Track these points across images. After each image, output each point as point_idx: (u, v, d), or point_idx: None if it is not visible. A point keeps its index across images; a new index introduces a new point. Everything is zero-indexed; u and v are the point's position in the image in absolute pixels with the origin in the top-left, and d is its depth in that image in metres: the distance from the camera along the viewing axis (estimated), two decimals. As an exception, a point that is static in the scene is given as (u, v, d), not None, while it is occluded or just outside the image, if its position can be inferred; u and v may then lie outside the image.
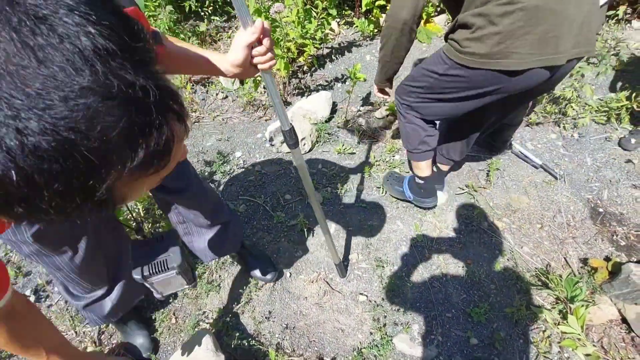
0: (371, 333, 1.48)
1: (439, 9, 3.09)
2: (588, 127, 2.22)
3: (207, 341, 1.29)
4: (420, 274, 1.65)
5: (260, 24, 0.74)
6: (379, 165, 2.07)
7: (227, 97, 2.58)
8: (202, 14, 2.92)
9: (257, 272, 1.62)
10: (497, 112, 1.52)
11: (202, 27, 2.80)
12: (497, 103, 1.33)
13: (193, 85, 2.66)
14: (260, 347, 1.42)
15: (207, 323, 1.52)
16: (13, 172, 0.27)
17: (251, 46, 0.77)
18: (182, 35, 2.68)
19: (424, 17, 2.97)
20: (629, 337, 1.43)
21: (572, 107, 2.15)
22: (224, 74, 0.84)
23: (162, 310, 1.57)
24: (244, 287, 1.62)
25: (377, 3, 2.75)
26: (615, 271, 1.58)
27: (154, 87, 0.32)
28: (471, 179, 2.00)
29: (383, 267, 1.67)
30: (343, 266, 1.63)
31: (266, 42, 0.77)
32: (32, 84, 0.27)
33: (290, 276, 1.67)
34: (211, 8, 2.97)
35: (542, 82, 1.22)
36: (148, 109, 0.31)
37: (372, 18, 2.91)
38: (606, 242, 1.74)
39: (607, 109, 2.19)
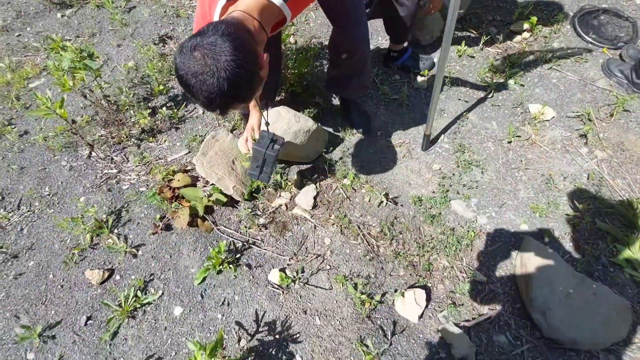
0: (434, 192, 1.73)
1: None
2: None
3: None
4: (497, 168, 1.78)
5: None
6: (494, 72, 2.08)
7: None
8: None
9: (355, 124, 1.94)
10: None
11: None
12: None
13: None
14: (344, 168, 1.80)
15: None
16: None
17: None
18: None
19: None
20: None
21: None
22: None
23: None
24: (340, 129, 1.97)
25: None
26: None
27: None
28: (592, 108, 1.91)
29: (464, 152, 1.84)
30: (429, 140, 1.84)
31: None
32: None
33: (379, 135, 1.96)
34: None
35: None
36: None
37: None
38: None
39: None
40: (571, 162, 1.77)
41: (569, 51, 2.16)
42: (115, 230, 1.73)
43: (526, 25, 2.23)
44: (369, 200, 1.73)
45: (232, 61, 0.76)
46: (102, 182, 1.94)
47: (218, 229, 1.70)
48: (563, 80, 2.04)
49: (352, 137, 1.95)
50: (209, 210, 1.75)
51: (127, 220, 1.76)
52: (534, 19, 2.20)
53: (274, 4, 0.96)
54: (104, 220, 1.75)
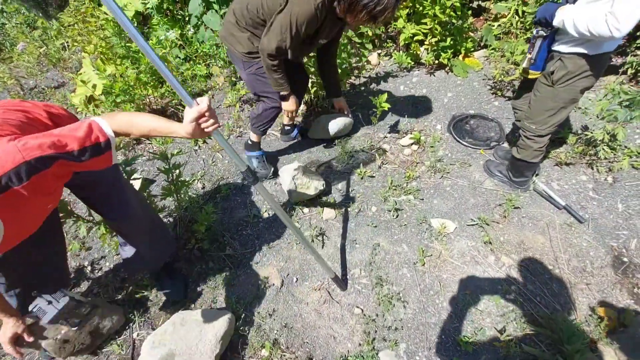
0: (360, 344, 1.59)
1: (479, 44, 3.15)
2: (625, 171, 2.12)
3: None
4: (417, 297, 1.72)
5: (204, 105, 0.96)
6: (394, 190, 2.19)
7: (268, 116, 2.89)
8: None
9: (172, 294, 1.77)
10: None
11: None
12: None
13: (242, 104, 3.03)
14: (259, 339, 1.61)
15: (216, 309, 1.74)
16: None
17: (197, 120, 0.97)
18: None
19: (462, 51, 3.05)
20: (630, 394, 1.36)
21: (604, 149, 2.08)
22: (182, 137, 1.02)
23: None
24: (256, 284, 1.82)
25: (415, 38, 2.92)
26: (627, 324, 1.50)
27: None
28: (486, 212, 2.03)
29: (382, 285, 1.77)
30: (341, 280, 1.77)
31: (208, 114, 0.97)
32: None
33: (296, 281, 1.85)
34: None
35: None
36: None
37: (411, 51, 3.07)
38: (625, 294, 1.65)
39: (647, 154, 2.08)
40: (483, 274, 1.78)
41: (453, 157, 2.38)
42: None
43: (413, 139, 2.45)
44: (292, 373, 1.52)
45: None
46: None
47: None
48: (455, 187, 2.19)
49: (267, 290, 1.81)
50: None
51: None
52: (417, 134, 2.44)
53: None
54: None
